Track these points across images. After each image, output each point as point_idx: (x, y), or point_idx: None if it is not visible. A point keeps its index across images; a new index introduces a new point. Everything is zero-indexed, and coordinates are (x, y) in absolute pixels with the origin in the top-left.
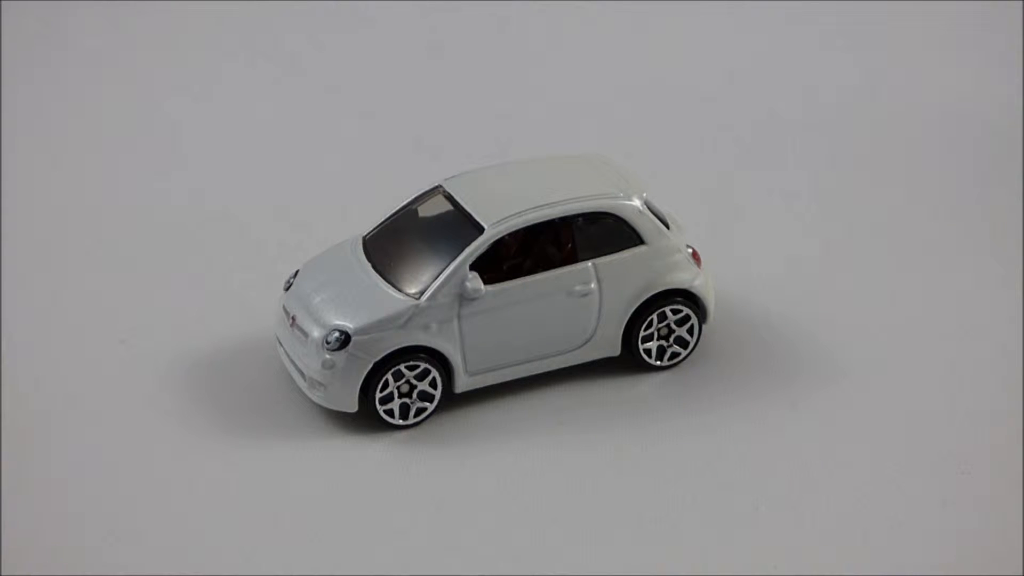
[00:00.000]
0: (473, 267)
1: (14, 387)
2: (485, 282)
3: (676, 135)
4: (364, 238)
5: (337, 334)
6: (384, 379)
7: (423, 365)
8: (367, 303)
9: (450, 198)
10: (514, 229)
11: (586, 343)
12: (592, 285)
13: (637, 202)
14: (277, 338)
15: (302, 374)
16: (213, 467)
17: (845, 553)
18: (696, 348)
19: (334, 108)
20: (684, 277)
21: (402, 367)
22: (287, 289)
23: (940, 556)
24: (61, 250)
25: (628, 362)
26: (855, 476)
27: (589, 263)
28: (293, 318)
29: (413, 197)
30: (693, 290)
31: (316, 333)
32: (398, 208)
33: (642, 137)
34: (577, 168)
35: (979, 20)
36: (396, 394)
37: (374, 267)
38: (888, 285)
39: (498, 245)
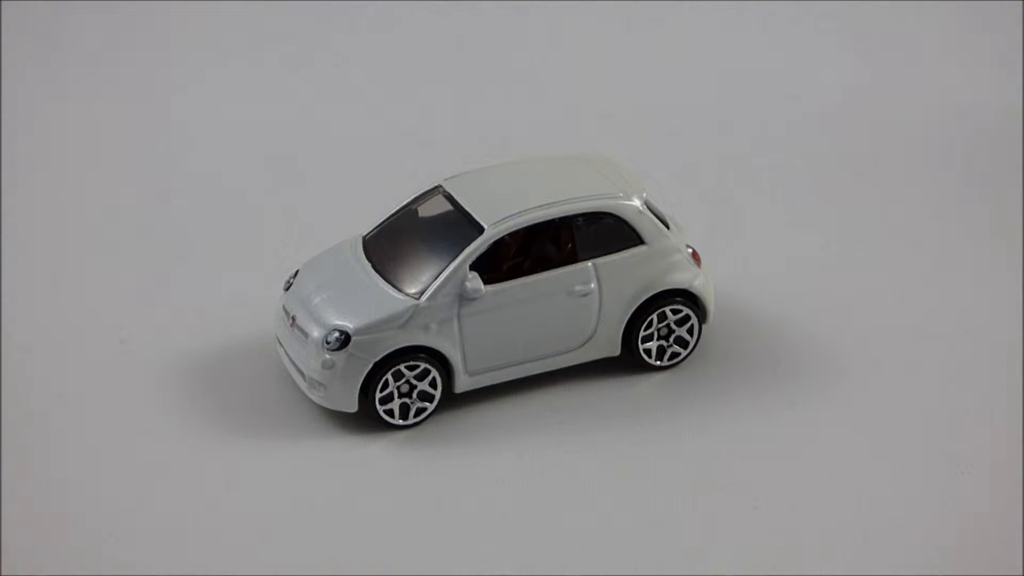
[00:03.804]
0: (473, 267)
1: (14, 387)
2: (485, 282)
3: (677, 135)
4: (364, 238)
5: (337, 334)
6: (384, 379)
7: (423, 365)
8: (367, 303)
9: (450, 198)
10: (514, 229)
11: (586, 343)
12: (592, 285)
13: (637, 202)
14: (277, 338)
15: (302, 374)
16: (213, 467)
17: (845, 553)
18: (696, 348)
19: (334, 108)
20: (684, 277)
21: (402, 367)
22: (287, 289)
23: (940, 556)
24: (61, 250)
25: (628, 362)
26: (855, 476)
27: (589, 263)
28: (293, 318)
29: (413, 197)
30: (693, 290)
31: (316, 333)
32: (398, 208)
33: (642, 137)
34: (577, 168)
35: (979, 20)
36: (396, 394)
37: (374, 267)
38: (888, 285)
39: (498, 245)
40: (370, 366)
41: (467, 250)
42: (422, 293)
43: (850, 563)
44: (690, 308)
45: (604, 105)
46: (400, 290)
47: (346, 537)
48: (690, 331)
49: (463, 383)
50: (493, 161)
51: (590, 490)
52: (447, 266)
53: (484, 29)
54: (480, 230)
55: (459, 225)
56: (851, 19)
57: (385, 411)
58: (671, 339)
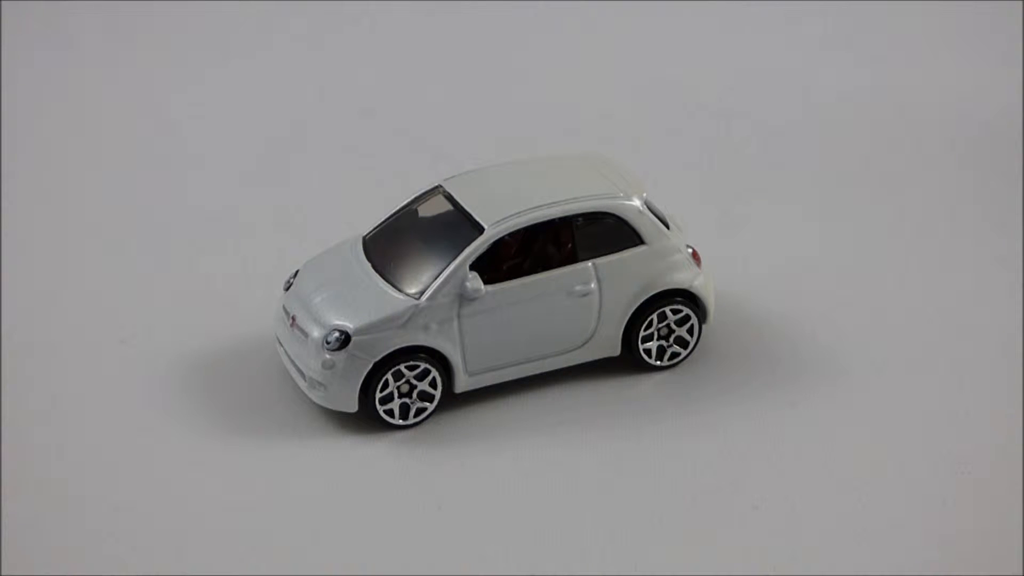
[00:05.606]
0: (473, 267)
1: (14, 387)
2: (485, 282)
3: (677, 135)
4: (364, 238)
5: (337, 334)
6: (384, 379)
7: (423, 365)
8: (367, 303)
9: (450, 198)
10: (514, 229)
11: (586, 343)
12: (592, 285)
13: (637, 202)
14: (277, 338)
15: (302, 374)
16: (213, 467)
17: (845, 553)
18: (696, 348)
19: (334, 107)
20: (684, 277)
21: (402, 367)
22: (287, 289)
23: (940, 556)
24: (61, 250)
25: (628, 362)
26: (855, 476)
27: (589, 263)
28: (293, 318)
29: (413, 197)
30: (693, 290)
31: (316, 333)
32: (398, 208)
33: (642, 137)
34: (577, 168)
35: (979, 20)
36: (396, 394)
37: (374, 267)
38: (888, 285)
39: (498, 245)
40: (370, 366)
41: (467, 250)
42: (422, 293)
43: (850, 563)
44: (690, 308)
45: (604, 105)
46: (400, 290)
47: (346, 537)
48: (690, 331)
49: (463, 383)
50: (493, 161)
51: (590, 490)
52: (447, 266)
53: (484, 29)
54: (480, 230)
55: (459, 225)
56: (851, 19)
57: (385, 411)
58: (671, 339)
